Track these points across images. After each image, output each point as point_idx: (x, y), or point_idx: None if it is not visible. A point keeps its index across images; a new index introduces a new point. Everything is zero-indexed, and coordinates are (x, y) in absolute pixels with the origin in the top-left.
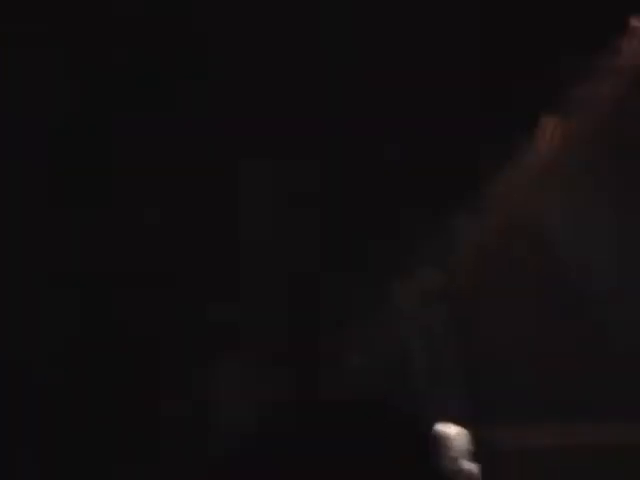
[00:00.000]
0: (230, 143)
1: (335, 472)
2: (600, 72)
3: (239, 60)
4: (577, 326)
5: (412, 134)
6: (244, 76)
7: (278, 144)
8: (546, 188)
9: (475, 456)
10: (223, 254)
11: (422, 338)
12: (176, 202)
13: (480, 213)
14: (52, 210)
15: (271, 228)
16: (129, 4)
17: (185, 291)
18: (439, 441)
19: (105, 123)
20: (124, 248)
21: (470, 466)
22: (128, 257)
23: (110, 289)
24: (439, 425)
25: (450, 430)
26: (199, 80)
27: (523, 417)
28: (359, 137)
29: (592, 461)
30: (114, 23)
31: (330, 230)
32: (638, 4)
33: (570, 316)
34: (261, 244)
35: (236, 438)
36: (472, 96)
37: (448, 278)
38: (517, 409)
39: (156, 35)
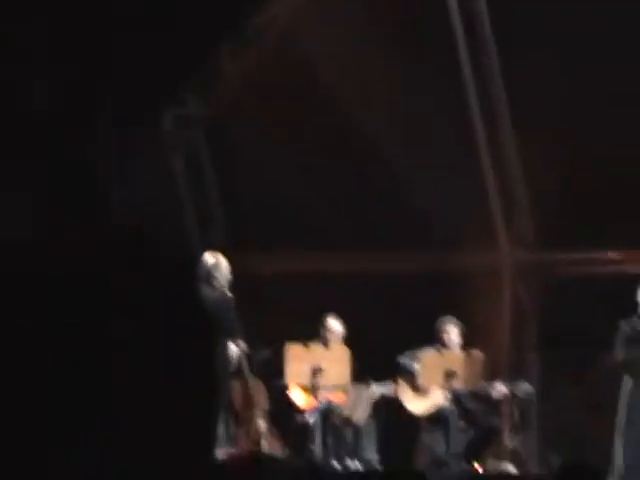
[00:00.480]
0: None
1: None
2: None
3: None
4: (333, 159)
5: None
6: None
7: None
8: (314, 18)
9: (235, 282)
10: None
11: (182, 167)
12: None
13: (245, 42)
14: None
15: None
16: None
17: None
18: (202, 269)
19: None
20: None
21: (230, 293)
22: None
23: None
24: (202, 253)
25: (213, 258)
26: None
27: (277, 244)
28: None
29: (337, 285)
30: None
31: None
32: None
33: (329, 148)
34: None
35: None
36: None
37: (208, 106)
38: (272, 237)
39: None
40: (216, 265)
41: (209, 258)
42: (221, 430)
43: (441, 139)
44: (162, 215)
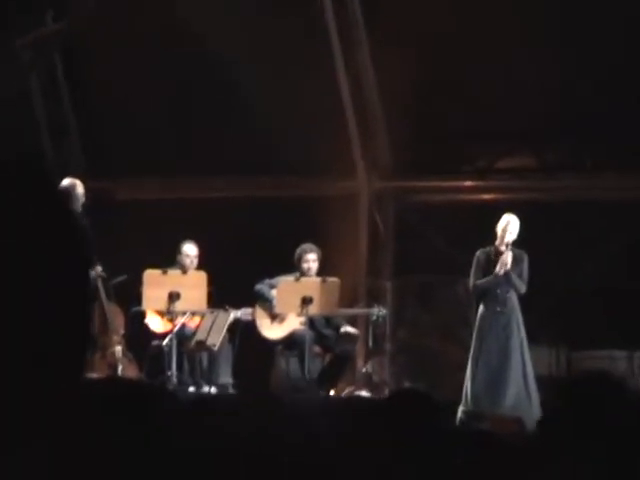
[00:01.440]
0: None
1: None
2: None
3: None
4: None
5: None
6: None
7: None
8: None
9: (93, 208)
10: None
11: (38, 89)
12: None
13: None
14: None
15: None
16: None
17: None
18: (64, 193)
19: None
20: None
21: (84, 218)
22: None
23: None
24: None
25: (69, 182)
26: None
27: (138, 170)
28: None
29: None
30: None
31: None
32: None
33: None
34: None
35: None
36: None
37: (68, 27)
38: (130, 163)
39: None
40: (72, 189)
41: (65, 182)
42: None
43: (302, 67)
44: (18, 136)
